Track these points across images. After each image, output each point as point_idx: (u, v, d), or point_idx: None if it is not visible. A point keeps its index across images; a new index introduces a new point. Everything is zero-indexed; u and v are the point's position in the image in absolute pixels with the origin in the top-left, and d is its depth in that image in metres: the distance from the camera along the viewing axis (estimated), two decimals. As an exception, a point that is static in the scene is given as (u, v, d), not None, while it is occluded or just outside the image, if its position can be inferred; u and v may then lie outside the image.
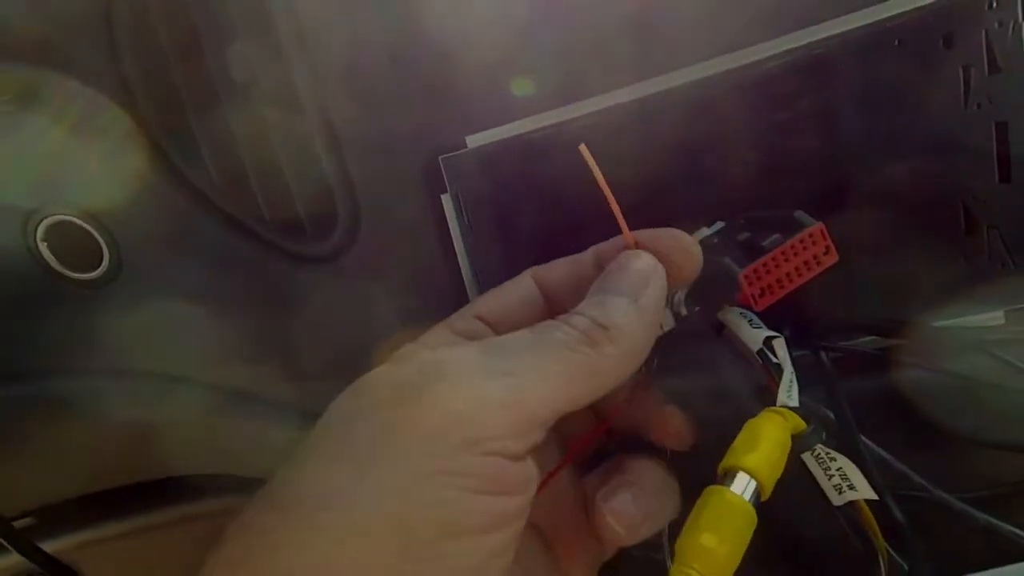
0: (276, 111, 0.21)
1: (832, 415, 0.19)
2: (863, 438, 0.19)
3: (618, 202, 0.17)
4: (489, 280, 0.22)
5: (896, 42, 0.19)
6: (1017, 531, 0.17)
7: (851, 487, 0.15)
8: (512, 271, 0.20)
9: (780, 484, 0.15)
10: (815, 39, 0.19)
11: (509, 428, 0.13)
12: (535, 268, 0.19)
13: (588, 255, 0.18)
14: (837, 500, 0.15)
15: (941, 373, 0.20)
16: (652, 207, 0.21)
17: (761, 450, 0.14)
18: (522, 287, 0.18)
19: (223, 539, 0.13)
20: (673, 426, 0.17)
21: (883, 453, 0.19)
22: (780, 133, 0.21)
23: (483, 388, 0.13)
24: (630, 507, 0.16)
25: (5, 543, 0.25)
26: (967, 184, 0.20)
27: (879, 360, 0.21)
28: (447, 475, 0.13)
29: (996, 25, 0.19)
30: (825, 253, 0.18)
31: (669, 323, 0.17)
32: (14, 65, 0.21)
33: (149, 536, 0.31)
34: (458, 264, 0.22)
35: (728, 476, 0.14)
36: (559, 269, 0.18)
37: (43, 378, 0.25)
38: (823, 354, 0.20)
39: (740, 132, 0.21)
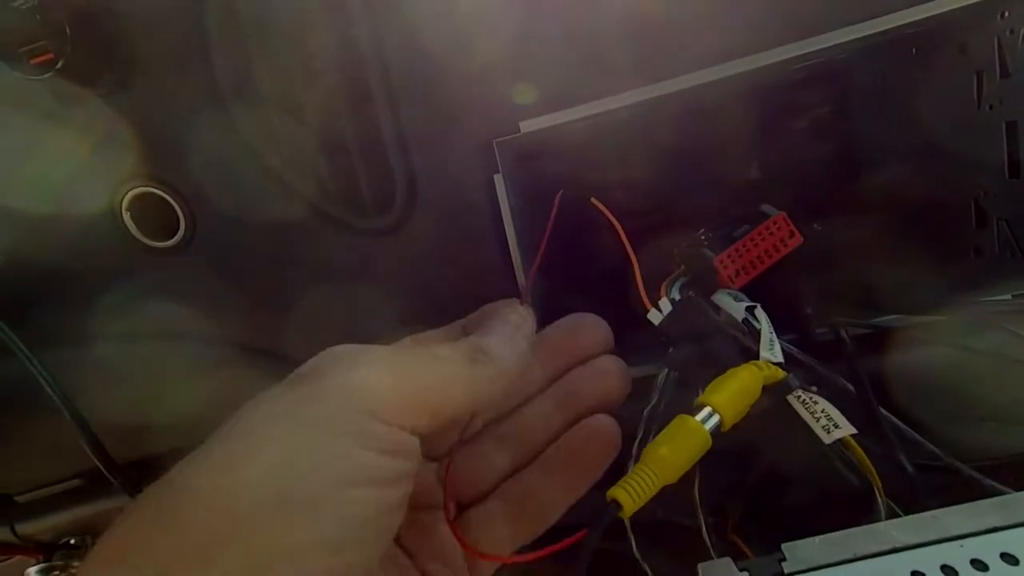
0: (344, 96, 0.23)
1: (852, 388, 0.21)
2: (882, 409, 0.21)
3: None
4: (533, 253, 0.23)
5: (913, 51, 0.21)
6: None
7: (836, 426, 0.17)
8: (554, 248, 0.22)
9: (777, 429, 0.18)
10: (831, 44, 0.21)
11: (401, 406, 0.15)
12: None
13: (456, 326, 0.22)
14: (827, 439, 0.17)
15: (958, 349, 0.22)
16: (678, 194, 0.23)
17: (725, 390, 0.17)
18: None
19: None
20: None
21: (898, 423, 0.21)
22: (799, 135, 0.23)
23: (380, 372, 0.16)
24: None
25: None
26: (978, 180, 0.22)
27: (899, 337, 0.23)
28: (351, 435, 0.14)
29: (1008, 33, 0.20)
30: (790, 236, 0.21)
31: (667, 308, 0.21)
32: (110, 53, 0.23)
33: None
34: (506, 240, 0.24)
35: (696, 408, 0.17)
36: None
37: (117, 341, 0.27)
38: (843, 331, 0.22)
39: (765, 131, 0.23)
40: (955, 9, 0.20)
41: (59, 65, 0.21)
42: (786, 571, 0.13)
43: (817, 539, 0.14)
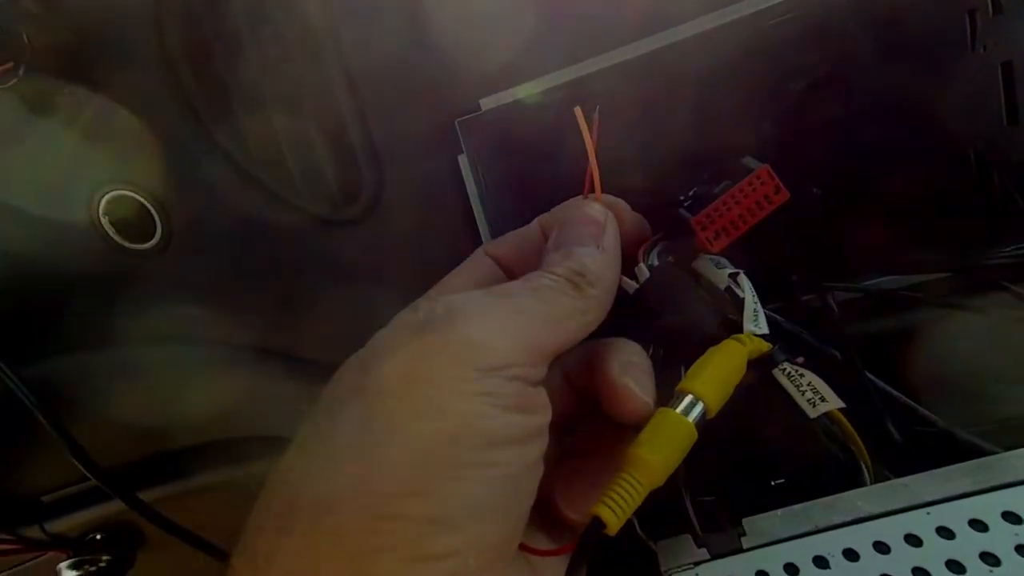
0: (308, 91, 0.23)
1: (838, 354, 0.20)
2: (868, 375, 0.20)
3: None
4: (503, 232, 0.23)
5: (903, -7, 0.20)
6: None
7: (822, 399, 0.16)
8: (520, 219, 0.20)
9: (759, 404, 0.16)
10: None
11: (523, 357, 0.15)
12: (486, 245, 0.20)
13: (534, 225, 0.19)
14: (812, 413, 0.16)
15: (955, 309, 0.21)
16: (652, 160, 0.22)
17: (707, 374, 0.16)
18: (481, 264, 0.19)
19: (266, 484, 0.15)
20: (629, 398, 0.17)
21: (889, 388, 0.20)
22: (794, 97, 0.21)
23: (495, 321, 0.15)
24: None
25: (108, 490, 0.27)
26: (976, 129, 0.21)
27: (892, 300, 0.22)
28: (483, 395, 0.14)
29: (998, -36, 0.19)
30: (776, 192, 0.19)
31: (644, 275, 0.19)
32: (74, 58, 0.23)
33: (197, 498, 0.33)
34: (475, 220, 0.23)
35: (676, 397, 0.16)
36: (510, 242, 0.20)
37: (101, 346, 0.27)
38: (829, 296, 0.21)
39: (749, 87, 0.21)
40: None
41: (21, 73, 0.21)
42: (745, 546, 0.13)
43: (779, 512, 0.13)
